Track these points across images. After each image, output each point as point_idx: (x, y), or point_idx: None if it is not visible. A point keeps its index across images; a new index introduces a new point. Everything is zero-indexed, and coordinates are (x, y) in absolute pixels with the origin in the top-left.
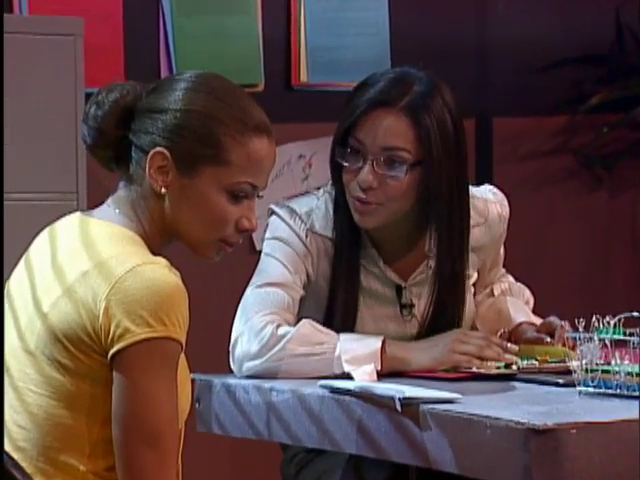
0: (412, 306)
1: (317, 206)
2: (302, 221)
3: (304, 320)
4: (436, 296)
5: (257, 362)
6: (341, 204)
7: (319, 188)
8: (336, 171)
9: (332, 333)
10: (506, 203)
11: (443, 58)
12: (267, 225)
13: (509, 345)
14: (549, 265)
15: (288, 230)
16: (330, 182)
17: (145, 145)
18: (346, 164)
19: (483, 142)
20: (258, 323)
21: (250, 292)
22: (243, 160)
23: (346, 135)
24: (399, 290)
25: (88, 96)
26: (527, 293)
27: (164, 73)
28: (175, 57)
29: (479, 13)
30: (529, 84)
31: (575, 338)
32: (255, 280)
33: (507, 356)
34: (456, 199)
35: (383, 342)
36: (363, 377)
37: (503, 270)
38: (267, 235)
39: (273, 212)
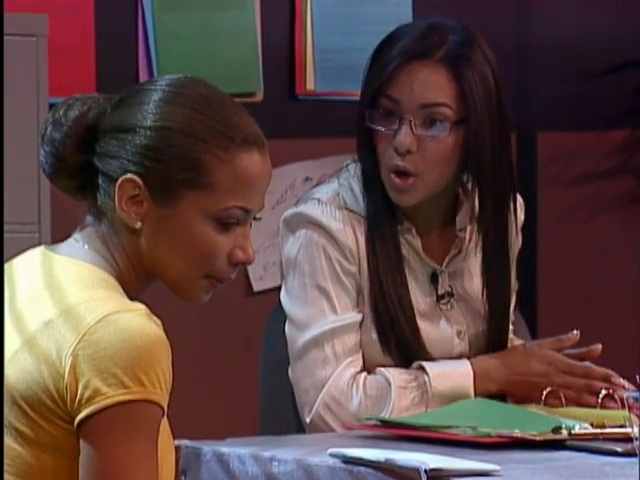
0: (451, 295)
1: (340, 184)
2: (333, 207)
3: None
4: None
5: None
6: (371, 178)
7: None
8: (365, 140)
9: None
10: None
11: None
12: (282, 240)
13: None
14: (604, 308)
15: (317, 237)
16: (346, 163)
17: (113, 172)
18: (380, 128)
19: (526, 161)
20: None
21: (297, 360)
22: (230, 181)
23: (375, 95)
24: (434, 277)
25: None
26: None
27: (143, 80)
28: (156, 61)
29: (520, 8)
30: (581, 92)
31: (636, 398)
32: (296, 336)
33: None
34: (499, 164)
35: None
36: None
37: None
38: (290, 252)
39: (286, 221)
